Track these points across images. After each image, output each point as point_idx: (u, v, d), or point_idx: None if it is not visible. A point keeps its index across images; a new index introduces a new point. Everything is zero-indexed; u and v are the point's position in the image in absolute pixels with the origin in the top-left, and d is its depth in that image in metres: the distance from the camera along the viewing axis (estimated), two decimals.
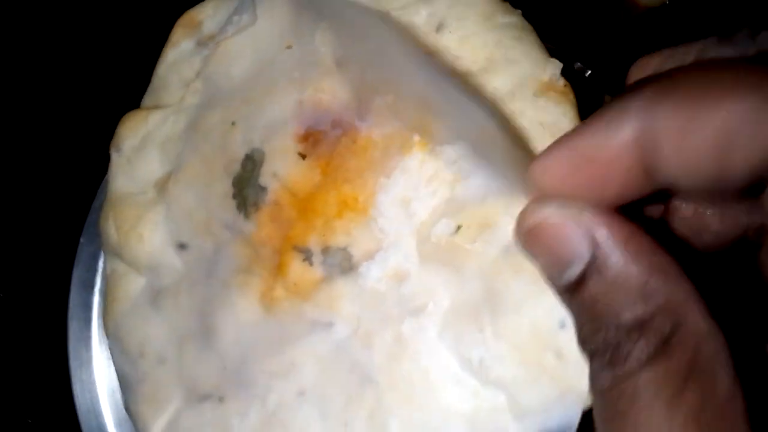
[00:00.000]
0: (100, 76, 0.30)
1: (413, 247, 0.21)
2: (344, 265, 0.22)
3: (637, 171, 0.14)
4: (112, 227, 0.26)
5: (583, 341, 0.15)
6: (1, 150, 0.31)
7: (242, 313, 0.24)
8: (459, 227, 0.21)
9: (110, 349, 0.26)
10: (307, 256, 0.23)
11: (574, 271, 0.15)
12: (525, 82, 0.20)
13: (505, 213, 0.20)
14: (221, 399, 0.23)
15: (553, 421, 0.18)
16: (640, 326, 0.14)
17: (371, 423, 0.20)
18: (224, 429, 0.23)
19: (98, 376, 0.28)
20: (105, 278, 0.27)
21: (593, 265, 0.15)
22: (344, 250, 0.22)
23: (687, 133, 0.13)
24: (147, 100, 0.27)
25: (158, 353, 0.25)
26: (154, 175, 0.26)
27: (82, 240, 0.29)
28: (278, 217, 0.24)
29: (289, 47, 0.25)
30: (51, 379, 0.29)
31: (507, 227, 0.19)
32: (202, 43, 0.27)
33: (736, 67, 0.13)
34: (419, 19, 0.22)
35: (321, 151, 0.23)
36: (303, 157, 0.23)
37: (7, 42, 0.30)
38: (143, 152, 0.27)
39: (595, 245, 0.15)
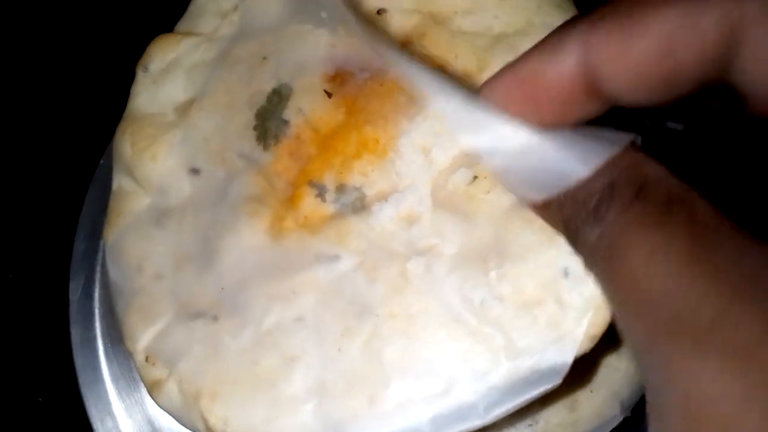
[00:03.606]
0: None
1: (428, 193, 0.22)
2: (357, 204, 0.23)
3: (582, 93, 0.15)
4: (127, 143, 0.26)
5: (567, 223, 0.16)
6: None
7: (248, 238, 0.24)
8: (475, 177, 0.22)
9: (108, 261, 0.26)
10: (320, 192, 0.23)
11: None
12: None
13: None
14: (215, 318, 0.23)
15: (545, 363, 0.19)
16: (612, 185, 0.15)
17: (366, 350, 0.21)
18: (214, 346, 0.23)
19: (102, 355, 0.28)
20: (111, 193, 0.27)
21: None
22: (359, 189, 0.23)
23: (627, 49, 0.14)
24: (182, 25, 0.28)
25: (156, 269, 0.25)
26: (176, 98, 0.27)
27: (81, 219, 0.29)
28: (297, 152, 0.24)
29: None
30: (63, 357, 0.28)
31: None
32: None
33: None
34: None
35: (347, 91, 0.24)
36: (329, 95, 0.24)
37: None
38: (170, 75, 0.27)
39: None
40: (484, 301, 0.20)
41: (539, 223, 0.19)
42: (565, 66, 0.15)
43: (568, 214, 0.16)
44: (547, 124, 0.16)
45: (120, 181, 0.27)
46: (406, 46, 0.24)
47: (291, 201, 0.24)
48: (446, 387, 0.20)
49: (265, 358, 0.22)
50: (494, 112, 0.16)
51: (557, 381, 0.18)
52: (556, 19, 0.22)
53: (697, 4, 0.13)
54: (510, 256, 0.20)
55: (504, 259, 0.20)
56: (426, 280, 0.21)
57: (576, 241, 0.16)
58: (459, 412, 0.19)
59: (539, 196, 0.16)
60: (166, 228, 0.25)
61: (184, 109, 0.26)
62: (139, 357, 0.24)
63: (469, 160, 0.22)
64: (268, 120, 0.25)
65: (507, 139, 0.16)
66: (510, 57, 0.22)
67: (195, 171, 0.26)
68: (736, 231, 0.13)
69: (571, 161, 0.15)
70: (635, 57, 0.14)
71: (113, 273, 0.25)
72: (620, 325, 0.15)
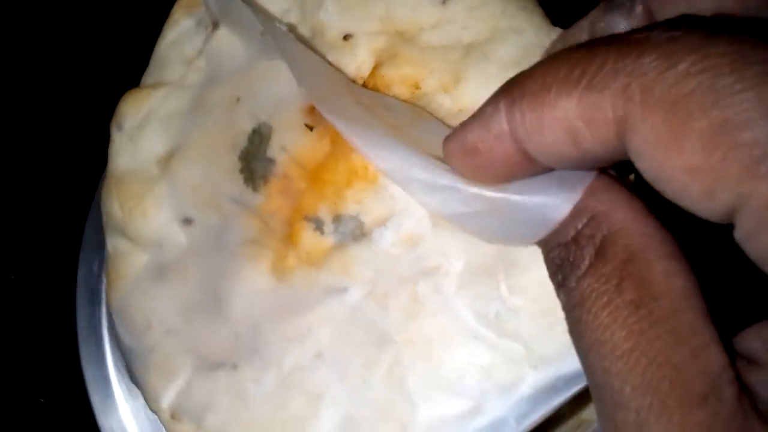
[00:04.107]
0: (97, 58, 0.30)
1: (425, 213, 0.22)
2: (356, 232, 0.23)
3: (519, 158, 0.16)
4: (115, 204, 0.26)
5: (549, 275, 0.16)
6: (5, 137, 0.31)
7: (253, 282, 0.24)
8: None
9: (116, 326, 0.25)
10: (318, 225, 0.23)
11: None
12: (531, 50, 0.21)
13: None
14: (235, 366, 0.23)
15: (568, 367, 0.19)
16: (575, 242, 0.15)
17: (389, 379, 0.21)
18: (239, 395, 0.23)
19: (108, 354, 0.28)
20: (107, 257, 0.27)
21: None
22: (355, 217, 0.23)
23: (539, 133, 0.15)
24: (147, 78, 0.27)
25: (166, 325, 0.25)
26: (156, 151, 0.27)
27: (87, 227, 0.29)
28: (287, 189, 0.24)
29: (289, 24, 0.25)
30: (65, 359, 0.28)
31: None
32: (201, 23, 0.27)
33: (571, 58, 0.14)
34: None
35: (328, 122, 0.24)
36: (310, 128, 0.24)
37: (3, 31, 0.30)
38: (145, 130, 0.27)
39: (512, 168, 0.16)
40: (499, 315, 0.20)
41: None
42: (498, 135, 0.16)
43: (547, 267, 0.16)
44: (496, 183, 0.17)
45: (114, 243, 0.27)
46: (377, 68, 0.24)
47: (290, 238, 0.24)
48: (475, 405, 0.20)
49: (290, 400, 0.22)
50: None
51: (582, 383, 0.19)
52: (522, 21, 0.22)
53: (593, 96, 0.14)
54: (518, 267, 0.20)
55: (512, 270, 0.20)
56: (437, 300, 0.21)
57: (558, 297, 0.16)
58: (492, 428, 0.20)
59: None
60: (168, 282, 0.25)
61: (167, 161, 0.26)
62: (165, 416, 0.24)
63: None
64: (253, 161, 0.25)
65: (468, 199, 0.17)
66: (484, 65, 0.22)
67: (188, 221, 0.26)
68: (689, 317, 0.14)
69: (538, 210, 0.16)
70: (547, 141, 0.15)
71: (123, 335, 0.25)
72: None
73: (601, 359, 0.14)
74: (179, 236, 0.26)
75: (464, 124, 0.17)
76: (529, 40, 0.22)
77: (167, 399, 0.24)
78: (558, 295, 0.16)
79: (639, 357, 0.14)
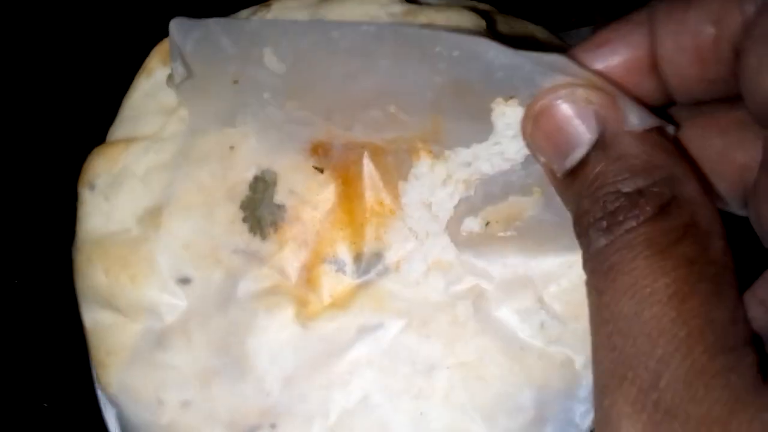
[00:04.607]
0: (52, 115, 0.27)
1: (448, 240, 0.23)
2: (380, 268, 0.23)
3: (645, 68, 0.17)
4: (98, 272, 0.23)
5: (580, 217, 0.16)
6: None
7: (276, 334, 0.23)
8: (488, 223, 0.23)
9: (119, 407, 0.23)
10: (339, 267, 0.23)
11: (580, 153, 0.16)
12: None
13: (528, 208, 0.22)
14: (273, 426, 0.22)
15: None
16: (639, 193, 0.15)
17: (448, 404, 0.21)
18: None
19: None
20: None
21: (598, 144, 0.16)
22: (378, 253, 0.23)
23: (676, 38, 0.16)
24: (117, 132, 0.25)
25: (180, 397, 0.23)
26: (136, 211, 0.24)
27: None
28: (301, 233, 0.24)
29: (235, 82, 0.25)
30: (68, 363, 0.26)
31: (536, 218, 0.22)
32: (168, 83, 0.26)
33: None
34: None
35: (336, 163, 0.24)
36: (320, 170, 0.24)
37: None
38: (122, 187, 0.24)
39: (604, 123, 0.16)
40: (543, 324, 0.22)
41: (567, 240, 0.22)
42: (634, 37, 0.17)
43: (585, 207, 0.16)
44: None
45: (94, 316, 0.24)
46: None
47: (310, 283, 0.23)
48: (537, 414, 0.21)
49: None
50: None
51: None
52: None
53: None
54: (551, 274, 0.22)
55: (546, 278, 0.22)
56: (479, 320, 0.22)
57: (582, 237, 0.16)
58: None
59: (564, 165, 0.17)
60: (172, 350, 0.23)
61: (151, 218, 0.24)
62: None
63: (474, 208, 0.23)
64: (258, 209, 0.24)
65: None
66: None
67: (185, 281, 0.24)
68: (734, 278, 0.15)
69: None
70: (690, 33, 0.16)
71: (132, 417, 0.22)
72: (591, 340, 0.16)
73: (634, 302, 0.14)
74: (176, 298, 0.24)
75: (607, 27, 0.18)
76: None
77: None
78: (590, 239, 0.16)
79: (678, 305, 0.14)
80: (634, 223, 0.15)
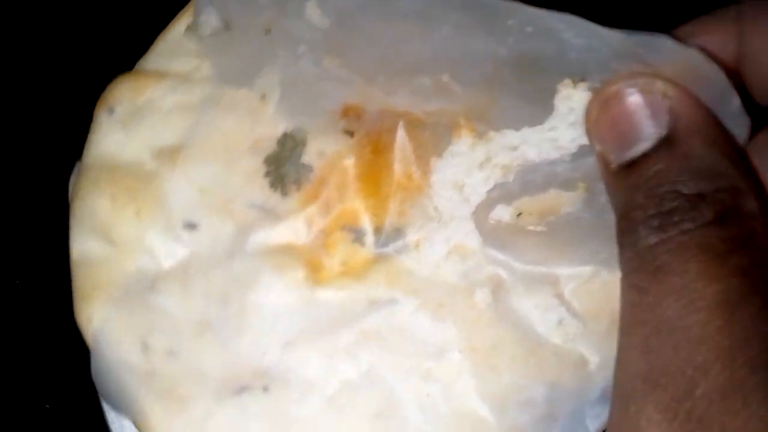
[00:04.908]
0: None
1: (473, 227, 0.22)
2: (399, 244, 0.22)
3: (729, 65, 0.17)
4: (105, 198, 0.22)
5: (631, 211, 0.16)
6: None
7: (281, 294, 0.22)
8: (520, 214, 0.23)
9: (98, 345, 0.21)
10: (357, 236, 0.22)
11: (644, 146, 0.16)
12: None
13: (567, 204, 0.21)
14: (265, 389, 0.20)
15: None
16: (700, 197, 0.15)
17: (456, 390, 0.20)
18: (274, 420, 0.20)
19: None
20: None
21: (665, 140, 0.16)
22: (399, 229, 0.22)
23: (764, 38, 0.16)
24: (147, 64, 0.24)
25: (167, 345, 0.21)
26: (154, 145, 0.23)
27: None
28: (324, 196, 0.23)
29: (268, 31, 0.24)
30: (70, 364, 0.25)
31: (573, 216, 0.21)
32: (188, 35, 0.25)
33: None
34: None
35: (368, 128, 0.23)
36: (351, 134, 0.23)
37: None
38: (143, 119, 0.23)
39: (676, 120, 0.16)
40: (562, 321, 0.21)
41: (594, 246, 0.22)
42: (720, 36, 0.17)
43: (639, 201, 0.15)
44: None
45: (85, 246, 0.22)
46: None
47: (325, 248, 0.22)
48: (548, 411, 0.20)
49: (345, 421, 0.20)
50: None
51: None
52: None
53: None
54: (574, 273, 0.21)
55: (569, 276, 0.21)
56: (498, 309, 0.21)
57: (628, 233, 0.16)
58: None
59: (624, 157, 0.16)
60: (167, 294, 0.22)
61: (168, 156, 0.23)
62: None
63: (509, 195, 0.22)
64: (284, 166, 0.23)
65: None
66: None
67: (192, 226, 0.22)
68: None
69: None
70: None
71: (110, 358, 0.20)
72: (621, 341, 0.16)
73: (680, 305, 0.14)
74: (179, 243, 0.22)
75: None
76: None
77: (174, 430, 0.20)
78: (640, 235, 0.15)
79: (726, 313, 0.14)
80: (691, 226, 0.14)
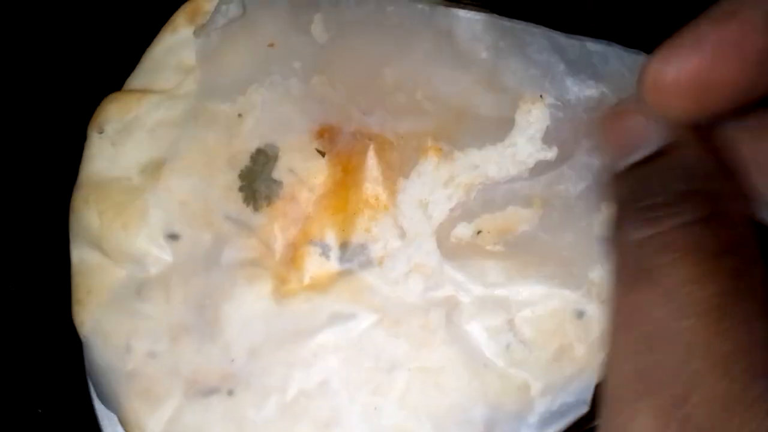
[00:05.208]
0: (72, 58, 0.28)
1: (434, 246, 0.23)
2: (363, 260, 0.23)
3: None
4: (93, 214, 0.24)
5: (624, 204, 0.16)
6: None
7: (251, 305, 0.23)
8: (479, 231, 0.23)
9: (89, 345, 0.23)
10: (324, 251, 0.24)
11: (645, 152, 0.16)
12: None
13: (524, 222, 0.22)
14: (230, 392, 0.22)
15: (571, 395, 0.21)
16: (693, 193, 0.14)
17: (403, 405, 0.22)
18: (237, 422, 0.22)
19: None
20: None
21: (665, 147, 0.16)
22: (364, 245, 0.24)
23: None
24: (134, 82, 0.26)
25: (148, 347, 0.23)
26: (140, 160, 0.25)
27: None
28: (293, 212, 0.24)
29: (271, 45, 0.25)
30: (63, 368, 0.27)
31: (529, 234, 0.22)
32: (198, 32, 0.26)
33: None
34: None
35: (340, 149, 0.24)
36: (322, 154, 0.24)
37: None
38: (130, 136, 0.25)
39: (676, 131, 0.16)
40: (510, 346, 0.22)
41: (550, 269, 0.22)
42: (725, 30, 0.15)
43: (633, 194, 0.15)
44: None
45: (82, 255, 0.24)
46: None
47: (292, 262, 0.24)
48: (485, 430, 0.21)
49: (297, 428, 0.22)
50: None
51: (584, 409, 0.21)
52: None
53: None
54: (528, 301, 0.22)
55: (522, 303, 0.22)
56: (449, 330, 0.22)
57: (617, 227, 0.15)
58: None
59: (628, 160, 0.16)
60: (150, 300, 0.24)
61: (152, 171, 0.25)
62: None
63: (469, 214, 0.23)
64: (256, 181, 0.24)
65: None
66: None
67: (174, 237, 0.24)
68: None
69: None
70: None
71: (98, 358, 0.23)
72: (612, 339, 0.15)
73: (674, 307, 0.13)
74: (163, 252, 0.24)
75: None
76: None
77: (153, 427, 0.22)
78: (629, 229, 0.15)
79: (723, 317, 0.13)
80: (679, 221, 0.14)
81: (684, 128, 0.16)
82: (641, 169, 0.16)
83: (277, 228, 0.24)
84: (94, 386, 0.23)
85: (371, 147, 0.24)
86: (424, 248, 0.23)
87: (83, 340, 0.23)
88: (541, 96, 0.20)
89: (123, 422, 0.23)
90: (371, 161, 0.24)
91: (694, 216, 0.14)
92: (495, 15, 0.21)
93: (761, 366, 0.13)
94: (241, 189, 0.24)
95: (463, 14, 0.21)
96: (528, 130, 0.20)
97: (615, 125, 0.17)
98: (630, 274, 0.15)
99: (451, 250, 0.23)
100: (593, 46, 0.19)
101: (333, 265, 0.23)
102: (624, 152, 0.16)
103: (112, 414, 0.23)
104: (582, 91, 0.20)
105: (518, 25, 0.20)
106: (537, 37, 0.19)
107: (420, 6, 0.21)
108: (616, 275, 0.15)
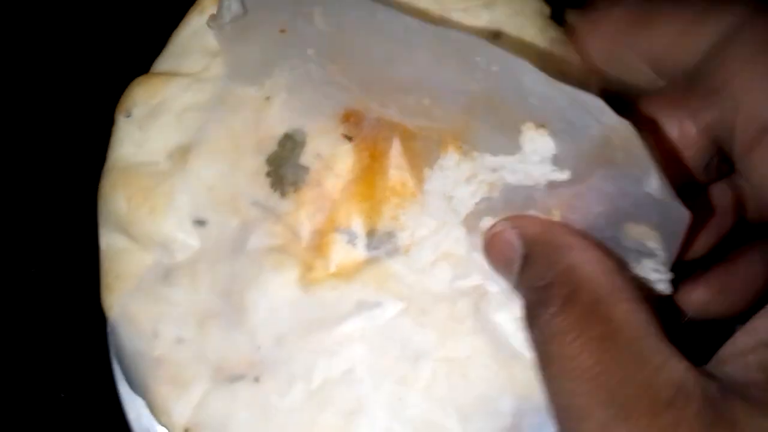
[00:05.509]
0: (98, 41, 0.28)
1: (462, 235, 0.23)
2: (390, 248, 0.23)
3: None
4: (121, 199, 0.24)
5: (523, 318, 0.19)
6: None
7: (277, 292, 0.23)
8: None
9: (117, 330, 0.23)
10: (351, 239, 0.23)
11: (516, 267, 0.19)
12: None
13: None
14: (257, 379, 0.22)
15: None
16: (548, 287, 0.18)
17: (428, 396, 0.21)
18: (263, 409, 0.22)
19: None
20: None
21: (526, 258, 0.19)
22: (391, 233, 0.23)
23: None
24: (161, 65, 0.25)
25: (175, 333, 0.23)
26: (167, 145, 0.25)
27: None
28: (320, 198, 0.24)
29: (282, 31, 0.25)
30: (85, 353, 0.27)
31: None
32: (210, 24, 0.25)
33: None
34: (479, 22, 0.24)
35: (366, 134, 0.24)
36: (349, 139, 0.24)
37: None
38: (158, 120, 0.25)
39: (526, 239, 0.20)
40: None
41: None
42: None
43: (522, 303, 0.19)
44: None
45: (111, 240, 0.25)
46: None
47: (319, 249, 0.23)
48: (513, 423, 0.21)
49: (320, 415, 0.22)
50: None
51: None
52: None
53: None
54: None
55: None
56: (477, 319, 0.22)
57: (527, 334, 0.19)
58: None
59: (511, 277, 0.20)
60: (177, 286, 0.24)
61: (180, 155, 0.25)
62: (177, 430, 0.22)
63: (494, 210, 0.22)
64: (283, 166, 0.24)
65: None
66: None
67: (201, 222, 0.24)
68: (649, 342, 0.17)
69: None
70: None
71: (126, 343, 0.23)
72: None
73: (569, 382, 0.17)
74: (190, 238, 0.24)
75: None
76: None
77: (181, 412, 0.22)
78: (530, 330, 0.18)
79: (606, 377, 0.16)
80: (549, 316, 0.17)
81: (533, 233, 0.20)
82: (520, 278, 0.19)
83: (303, 214, 0.24)
84: (121, 371, 0.24)
85: (396, 133, 0.23)
86: (452, 237, 0.23)
87: (111, 324, 0.24)
88: (542, 125, 0.19)
89: (150, 407, 0.23)
90: (396, 148, 0.23)
91: (557, 305, 0.17)
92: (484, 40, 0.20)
93: (660, 401, 0.16)
94: (268, 174, 0.24)
95: (452, 34, 0.19)
96: (534, 156, 0.19)
97: (494, 245, 0.21)
98: (539, 361, 0.18)
99: (478, 241, 0.23)
100: (585, 97, 0.18)
101: (359, 252, 0.23)
102: (507, 264, 0.20)
103: (136, 398, 0.23)
104: (583, 126, 0.18)
105: (507, 55, 0.19)
106: (531, 71, 0.18)
107: (408, 19, 0.20)
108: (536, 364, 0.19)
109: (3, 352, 0.28)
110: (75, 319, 0.26)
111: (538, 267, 0.19)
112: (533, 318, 0.18)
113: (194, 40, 0.25)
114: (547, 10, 0.24)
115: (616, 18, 0.22)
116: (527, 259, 0.19)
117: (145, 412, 0.24)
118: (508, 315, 0.22)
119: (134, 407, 0.25)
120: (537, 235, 0.19)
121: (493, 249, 0.21)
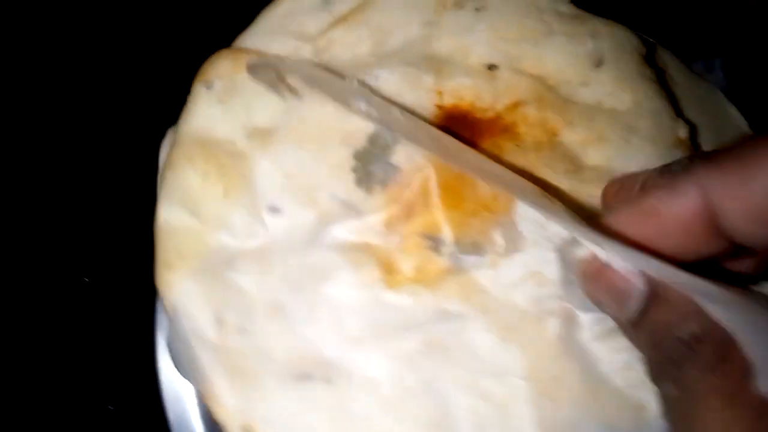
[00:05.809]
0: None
1: (554, 258, 0.22)
2: (476, 260, 0.22)
3: (701, 230, 0.17)
4: (195, 173, 0.22)
5: (650, 366, 0.17)
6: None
7: (354, 291, 0.22)
8: None
9: (174, 310, 0.21)
10: (436, 245, 0.22)
11: (635, 304, 0.18)
12: (665, 131, 0.24)
13: None
14: (327, 380, 0.21)
15: None
16: (697, 340, 0.16)
17: (508, 414, 0.20)
18: (332, 413, 0.20)
19: None
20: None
21: (652, 297, 0.17)
22: (478, 245, 0.22)
23: (744, 190, 0.16)
24: (246, 41, 0.24)
25: (240, 322, 0.22)
26: (248, 124, 0.23)
27: None
28: (408, 200, 0.23)
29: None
30: (134, 365, 0.25)
31: None
32: (329, 2, 0.25)
33: None
34: (584, 49, 0.24)
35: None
36: None
37: None
38: (240, 97, 0.23)
39: (652, 280, 0.17)
40: (628, 363, 0.21)
41: None
42: (685, 204, 0.17)
43: (651, 356, 0.17)
44: (668, 254, 0.18)
45: (174, 215, 0.23)
46: (516, 107, 0.24)
47: (401, 252, 0.22)
48: None
49: (399, 427, 0.20)
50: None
51: None
52: (659, 105, 0.24)
53: None
54: None
55: None
56: (565, 342, 0.21)
57: (656, 384, 0.17)
58: None
59: (626, 316, 0.18)
60: (244, 273, 0.22)
61: (260, 137, 0.23)
62: (232, 422, 0.20)
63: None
64: (372, 163, 0.23)
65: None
66: (627, 133, 0.24)
67: (275, 210, 0.23)
68: None
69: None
70: (753, 196, 0.16)
71: (185, 326, 0.21)
72: None
73: None
74: (261, 225, 0.23)
75: (641, 191, 0.18)
76: (665, 123, 0.24)
77: (239, 406, 0.20)
78: (662, 383, 0.17)
79: None
80: (698, 373, 0.15)
81: (662, 269, 0.17)
82: (645, 323, 0.17)
83: (388, 214, 0.23)
84: (175, 355, 0.21)
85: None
86: (543, 258, 0.22)
87: (169, 305, 0.21)
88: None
89: (204, 395, 0.21)
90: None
91: (708, 361, 0.16)
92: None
93: None
94: (354, 169, 0.23)
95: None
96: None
97: (602, 280, 0.19)
98: (675, 419, 0.16)
99: (573, 265, 0.22)
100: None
101: (443, 260, 0.22)
102: (620, 303, 0.18)
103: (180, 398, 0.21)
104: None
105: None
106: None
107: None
108: (665, 414, 0.17)
109: (53, 363, 0.27)
110: (126, 331, 0.24)
111: (674, 313, 0.17)
112: (674, 370, 0.16)
113: (287, 21, 0.24)
114: (643, 49, 0.25)
115: None
116: (654, 300, 0.17)
117: (187, 408, 0.22)
118: (598, 340, 0.21)
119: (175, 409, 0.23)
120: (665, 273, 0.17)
121: (600, 279, 0.19)
